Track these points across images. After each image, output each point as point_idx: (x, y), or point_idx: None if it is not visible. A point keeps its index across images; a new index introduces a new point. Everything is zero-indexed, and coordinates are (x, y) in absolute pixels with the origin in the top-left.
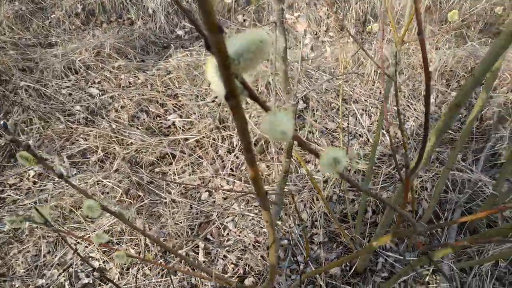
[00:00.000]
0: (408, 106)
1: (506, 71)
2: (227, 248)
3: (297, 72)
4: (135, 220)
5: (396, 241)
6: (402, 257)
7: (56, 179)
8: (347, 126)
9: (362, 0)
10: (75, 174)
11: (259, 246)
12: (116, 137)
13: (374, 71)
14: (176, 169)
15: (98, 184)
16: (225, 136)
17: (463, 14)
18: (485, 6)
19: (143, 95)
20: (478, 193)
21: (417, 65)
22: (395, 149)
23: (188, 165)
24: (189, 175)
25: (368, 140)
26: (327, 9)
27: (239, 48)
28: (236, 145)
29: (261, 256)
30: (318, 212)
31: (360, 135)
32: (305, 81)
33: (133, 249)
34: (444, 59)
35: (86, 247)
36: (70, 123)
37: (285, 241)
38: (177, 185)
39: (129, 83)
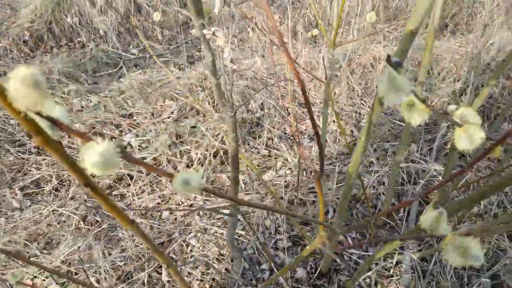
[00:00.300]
0: (362, 104)
1: (451, 62)
2: (191, 264)
3: (230, 84)
4: (92, 248)
5: (359, 237)
6: (366, 253)
7: (9, 213)
8: (305, 129)
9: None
10: (29, 205)
11: (223, 259)
12: None
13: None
14: (135, 189)
15: (53, 213)
16: (182, 151)
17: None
18: None
19: (96, 117)
20: (433, 182)
21: (368, 64)
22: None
23: (147, 184)
24: (148, 194)
25: (326, 141)
26: (279, 17)
27: None
28: (195, 159)
29: (226, 269)
30: (280, 217)
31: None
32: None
33: (92, 276)
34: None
35: (44, 280)
36: (20, 154)
37: (249, 251)
38: (137, 206)
39: (82, 107)
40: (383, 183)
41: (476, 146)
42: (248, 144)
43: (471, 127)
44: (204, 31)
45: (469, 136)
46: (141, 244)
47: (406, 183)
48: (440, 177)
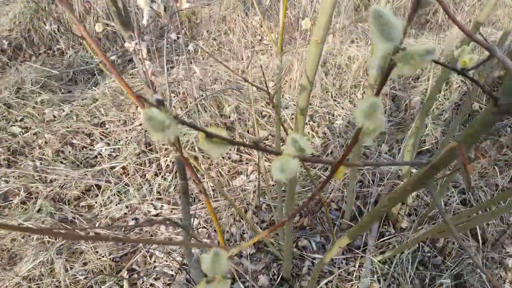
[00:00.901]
0: (336, 105)
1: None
2: (154, 275)
3: (168, 94)
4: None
5: (324, 241)
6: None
7: None
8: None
9: (292, 7)
10: None
11: (185, 269)
12: (39, 175)
13: (301, 75)
14: (103, 200)
15: None
16: (152, 159)
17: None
18: None
19: (68, 127)
20: (397, 181)
21: (343, 64)
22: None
23: (115, 194)
24: (116, 204)
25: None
26: (260, 18)
27: None
28: (164, 167)
29: (187, 280)
30: (246, 224)
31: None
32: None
33: None
34: (365, 56)
35: None
36: None
37: None
38: (104, 217)
39: (54, 116)
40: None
41: (291, 175)
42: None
43: (285, 158)
44: (126, 44)
45: (282, 166)
46: (103, 256)
47: (371, 184)
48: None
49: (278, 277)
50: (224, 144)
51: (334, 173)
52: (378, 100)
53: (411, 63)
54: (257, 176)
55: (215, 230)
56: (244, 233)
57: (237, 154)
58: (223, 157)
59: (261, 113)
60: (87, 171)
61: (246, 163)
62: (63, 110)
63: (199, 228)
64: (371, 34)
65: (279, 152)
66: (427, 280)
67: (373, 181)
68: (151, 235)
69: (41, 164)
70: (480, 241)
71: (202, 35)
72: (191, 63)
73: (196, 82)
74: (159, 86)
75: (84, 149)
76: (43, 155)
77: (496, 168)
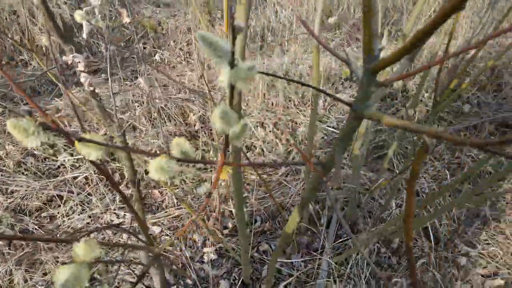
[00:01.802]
0: (298, 113)
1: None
2: (116, 283)
3: (114, 104)
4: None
5: (284, 245)
6: (289, 261)
7: None
8: (244, 140)
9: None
10: None
11: (148, 275)
12: (0, 187)
13: (266, 84)
14: (65, 210)
15: None
16: (114, 169)
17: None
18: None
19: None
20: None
21: (305, 73)
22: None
23: (77, 204)
24: (79, 214)
25: (263, 151)
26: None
27: None
28: (126, 176)
29: (147, 286)
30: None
31: (255, 147)
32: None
33: None
34: (327, 64)
35: None
36: None
37: (174, 267)
38: (66, 227)
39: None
40: None
41: (169, 176)
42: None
43: (164, 160)
44: (64, 58)
45: (160, 167)
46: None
47: (331, 189)
48: (366, 180)
49: (238, 281)
50: (99, 148)
51: (219, 174)
52: (227, 107)
53: (241, 77)
54: (222, 183)
55: (177, 238)
56: (207, 240)
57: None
58: (187, 165)
59: None
60: (49, 181)
61: (211, 170)
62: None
63: (162, 235)
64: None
65: (158, 154)
66: (381, 281)
67: (333, 187)
68: (114, 243)
69: (1, 175)
70: (433, 241)
71: (168, 45)
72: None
73: (159, 91)
74: (121, 93)
75: (47, 159)
76: (4, 166)
77: (448, 171)
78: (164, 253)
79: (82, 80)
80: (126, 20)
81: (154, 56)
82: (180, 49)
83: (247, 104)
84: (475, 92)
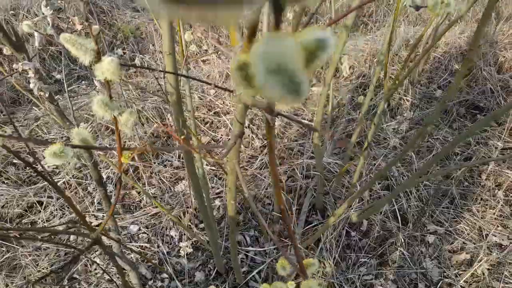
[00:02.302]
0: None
1: (355, 59)
2: (95, 282)
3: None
4: None
5: (257, 235)
6: (262, 249)
7: None
8: (221, 137)
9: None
10: None
11: (125, 272)
12: None
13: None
14: (46, 216)
15: None
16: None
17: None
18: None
19: (11, 147)
20: (325, 174)
21: None
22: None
23: (57, 209)
24: (59, 218)
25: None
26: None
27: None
28: (104, 179)
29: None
30: (186, 225)
31: None
32: None
33: None
34: None
35: None
36: None
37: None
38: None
39: None
40: (281, 181)
41: (64, 161)
42: (162, 157)
43: (58, 146)
44: (14, 66)
45: (53, 153)
46: (44, 268)
47: (300, 178)
48: (335, 167)
49: (213, 272)
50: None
51: (120, 158)
52: (106, 98)
53: None
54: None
55: (154, 234)
56: (184, 234)
57: (178, 161)
58: (165, 165)
59: (203, 119)
60: (29, 188)
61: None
62: (5, 131)
63: (140, 233)
64: None
65: (54, 142)
66: (351, 261)
67: (301, 175)
68: (93, 243)
69: None
70: (400, 222)
71: (148, 49)
72: (137, 76)
73: (139, 94)
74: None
75: (27, 168)
76: None
77: (415, 155)
78: (141, 250)
79: (31, 86)
80: (78, 27)
81: (134, 60)
82: (160, 51)
83: (223, 102)
84: (446, 78)
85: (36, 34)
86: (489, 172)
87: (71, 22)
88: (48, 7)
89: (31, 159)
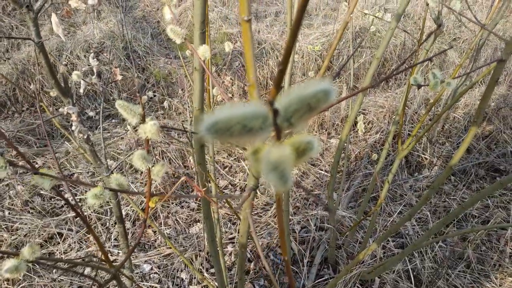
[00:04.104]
0: None
1: (374, 115)
2: None
3: (103, 148)
4: None
5: (267, 285)
6: None
7: None
8: (238, 182)
9: (261, 67)
10: None
11: None
12: (6, 224)
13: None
14: (64, 248)
15: None
16: (112, 209)
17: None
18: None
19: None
20: (339, 227)
21: None
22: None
23: (76, 242)
24: (76, 252)
25: (256, 192)
26: (231, 78)
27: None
28: (124, 215)
29: None
30: (197, 268)
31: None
32: None
33: None
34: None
35: None
36: None
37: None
38: (63, 264)
39: (27, 169)
40: (294, 231)
41: (102, 202)
42: (179, 199)
43: (99, 189)
44: (60, 110)
45: (95, 194)
46: None
47: (313, 230)
48: (349, 220)
49: None
50: (49, 179)
51: (148, 203)
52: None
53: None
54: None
55: (166, 275)
56: (194, 278)
57: (195, 203)
58: (182, 206)
59: (223, 164)
60: (52, 220)
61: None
62: (36, 163)
63: (151, 273)
64: None
65: (96, 185)
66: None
67: (315, 226)
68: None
69: (9, 213)
70: (413, 282)
71: (177, 93)
72: (165, 118)
73: (161, 136)
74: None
75: (52, 199)
76: (12, 205)
77: (431, 214)
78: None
79: (73, 128)
80: (118, 78)
81: (163, 102)
82: (188, 97)
83: (243, 148)
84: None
85: (82, 82)
86: (507, 238)
87: (113, 73)
88: (95, 59)
89: (54, 192)
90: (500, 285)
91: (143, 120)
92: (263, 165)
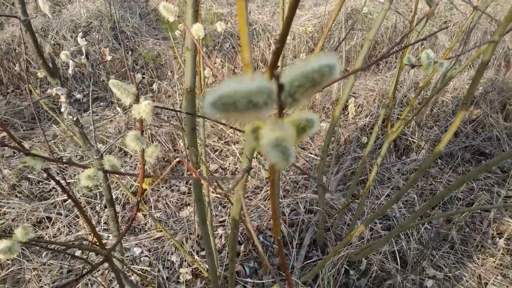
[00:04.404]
0: None
1: (364, 98)
2: None
3: (93, 130)
4: None
5: (257, 267)
6: (260, 281)
7: None
8: (228, 165)
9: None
10: None
11: None
12: None
13: None
14: (53, 232)
15: None
16: (102, 192)
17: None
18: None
19: (25, 162)
20: (329, 210)
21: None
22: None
23: (65, 226)
24: (66, 235)
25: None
26: (221, 60)
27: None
28: (114, 199)
29: None
30: (188, 251)
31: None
32: None
33: None
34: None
35: None
36: None
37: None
38: (53, 247)
39: (14, 152)
40: (284, 214)
41: (95, 183)
42: (170, 182)
43: (92, 170)
44: (49, 91)
45: (88, 176)
46: (46, 284)
47: (303, 213)
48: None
49: None
50: (42, 161)
51: (141, 185)
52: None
53: None
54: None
55: (156, 258)
56: (184, 261)
57: (185, 186)
58: (172, 190)
59: (213, 147)
60: (40, 204)
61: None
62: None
63: (142, 256)
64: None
65: (89, 166)
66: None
67: (305, 209)
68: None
69: None
70: (399, 263)
71: (166, 75)
72: (154, 101)
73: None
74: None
75: (40, 183)
76: None
77: (418, 197)
78: (142, 273)
79: (62, 110)
80: (108, 58)
81: (152, 85)
82: (177, 79)
83: (233, 131)
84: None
85: (70, 62)
86: (490, 220)
87: (102, 53)
88: (83, 39)
89: (44, 174)
90: (482, 265)
91: (137, 100)
92: (265, 142)
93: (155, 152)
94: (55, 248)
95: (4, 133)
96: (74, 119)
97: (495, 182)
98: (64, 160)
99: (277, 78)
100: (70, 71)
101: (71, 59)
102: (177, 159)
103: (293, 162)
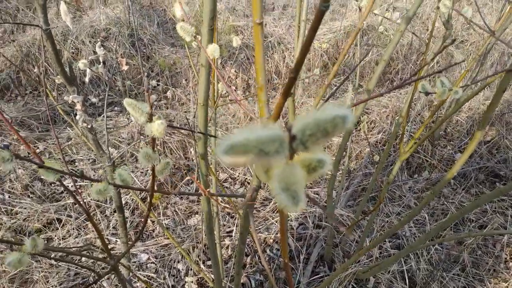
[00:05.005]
0: None
1: (377, 115)
2: None
3: (106, 138)
4: None
5: (263, 279)
6: None
7: None
8: (237, 175)
9: (266, 61)
10: None
11: None
12: (5, 207)
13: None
14: (62, 233)
15: None
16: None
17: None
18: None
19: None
20: (337, 226)
21: None
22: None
23: (74, 228)
24: (74, 238)
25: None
26: (235, 71)
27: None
28: (124, 204)
29: None
30: (194, 260)
31: (248, 183)
32: None
33: None
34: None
35: None
36: None
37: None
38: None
39: (28, 153)
40: (292, 228)
41: (105, 197)
42: (179, 189)
43: (102, 184)
44: (65, 98)
45: (98, 190)
46: (54, 286)
47: (311, 228)
48: (347, 219)
49: None
50: (54, 172)
51: (151, 199)
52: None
53: None
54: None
55: (162, 266)
56: (190, 269)
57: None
58: (181, 197)
59: None
60: (51, 205)
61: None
62: (38, 148)
63: (148, 263)
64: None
65: (100, 180)
66: None
67: (313, 224)
68: (102, 268)
69: (9, 197)
70: (408, 284)
71: (180, 83)
72: (167, 108)
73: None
74: (129, 126)
75: (52, 184)
76: (12, 188)
77: (429, 216)
78: (148, 280)
79: (77, 117)
80: (124, 68)
81: (166, 92)
82: (192, 87)
83: None
84: (467, 142)
85: (88, 71)
86: (504, 243)
87: (119, 63)
88: (101, 48)
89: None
90: None
91: (150, 119)
92: (275, 184)
93: (165, 170)
94: (62, 257)
95: (20, 134)
96: (89, 126)
97: (510, 205)
98: (77, 173)
99: (289, 130)
100: (86, 79)
101: (89, 68)
102: (187, 178)
103: (304, 206)
